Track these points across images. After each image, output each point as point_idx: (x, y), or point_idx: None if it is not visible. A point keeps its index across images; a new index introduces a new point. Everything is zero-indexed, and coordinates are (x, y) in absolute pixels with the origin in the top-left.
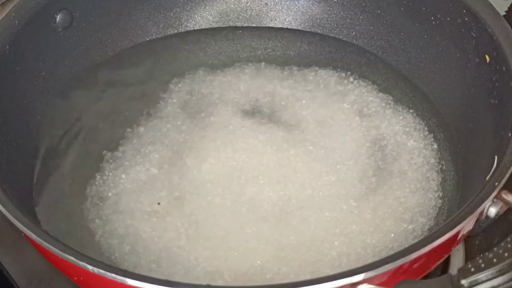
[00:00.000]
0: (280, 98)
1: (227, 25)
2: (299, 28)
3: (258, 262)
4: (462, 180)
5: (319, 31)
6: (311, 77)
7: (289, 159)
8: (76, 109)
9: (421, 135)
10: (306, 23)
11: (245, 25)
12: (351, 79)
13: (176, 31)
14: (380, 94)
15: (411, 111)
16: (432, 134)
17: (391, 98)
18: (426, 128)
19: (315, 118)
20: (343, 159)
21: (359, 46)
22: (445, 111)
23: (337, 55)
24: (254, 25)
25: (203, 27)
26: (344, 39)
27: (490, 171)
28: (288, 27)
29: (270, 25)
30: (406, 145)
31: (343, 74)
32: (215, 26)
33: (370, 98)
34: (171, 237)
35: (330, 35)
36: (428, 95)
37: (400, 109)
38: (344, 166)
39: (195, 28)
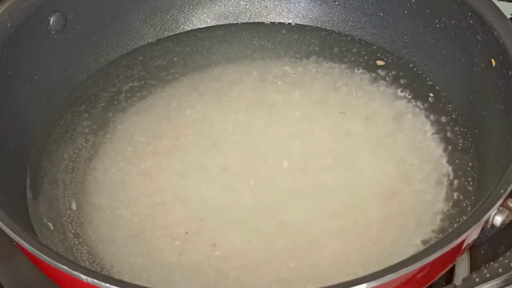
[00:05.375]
0: (280, 97)
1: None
2: (299, 29)
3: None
4: (470, 185)
5: (320, 33)
6: (310, 78)
7: (290, 158)
8: (70, 113)
9: (426, 138)
10: (307, 25)
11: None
12: (352, 80)
13: (173, 34)
14: (384, 97)
15: (416, 113)
16: (438, 137)
17: (393, 101)
18: (432, 131)
19: (315, 117)
20: (345, 159)
21: (361, 49)
22: (450, 115)
23: (338, 57)
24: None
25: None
26: (345, 41)
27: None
28: (288, 29)
29: (270, 25)
30: (413, 147)
31: (343, 75)
32: (214, 26)
33: (374, 100)
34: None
35: (331, 36)
36: (433, 99)
37: (404, 111)
38: (345, 166)
39: (193, 29)
